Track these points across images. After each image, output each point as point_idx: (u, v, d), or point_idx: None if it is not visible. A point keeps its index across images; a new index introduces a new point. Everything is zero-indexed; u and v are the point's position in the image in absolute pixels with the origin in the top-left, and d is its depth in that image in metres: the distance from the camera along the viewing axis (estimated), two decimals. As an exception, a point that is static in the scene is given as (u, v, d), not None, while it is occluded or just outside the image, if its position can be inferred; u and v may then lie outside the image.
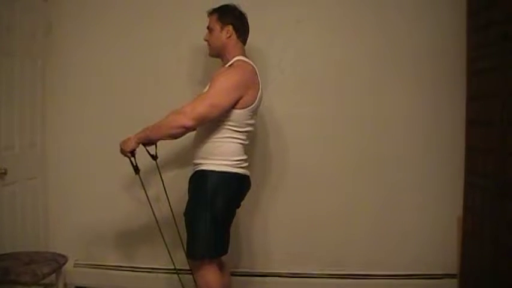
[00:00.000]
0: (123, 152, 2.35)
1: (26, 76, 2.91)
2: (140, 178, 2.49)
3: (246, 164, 2.31)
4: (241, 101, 2.19)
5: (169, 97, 2.96)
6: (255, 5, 2.95)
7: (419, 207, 2.92)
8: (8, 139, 2.77)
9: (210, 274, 2.24)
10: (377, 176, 2.95)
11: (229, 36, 2.34)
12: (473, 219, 2.72)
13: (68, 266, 2.76)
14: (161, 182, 2.58)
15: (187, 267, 2.48)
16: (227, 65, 2.30)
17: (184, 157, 2.79)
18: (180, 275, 2.61)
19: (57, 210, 3.19)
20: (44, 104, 3.12)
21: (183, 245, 2.42)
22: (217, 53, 2.41)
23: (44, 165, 3.15)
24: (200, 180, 2.23)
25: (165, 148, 2.63)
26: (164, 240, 2.54)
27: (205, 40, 2.42)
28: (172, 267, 2.60)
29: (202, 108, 2.11)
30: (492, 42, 2.52)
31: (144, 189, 2.53)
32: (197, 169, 2.27)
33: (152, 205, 2.55)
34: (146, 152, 2.43)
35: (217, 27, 2.35)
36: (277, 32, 2.98)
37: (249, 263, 3.05)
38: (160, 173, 2.58)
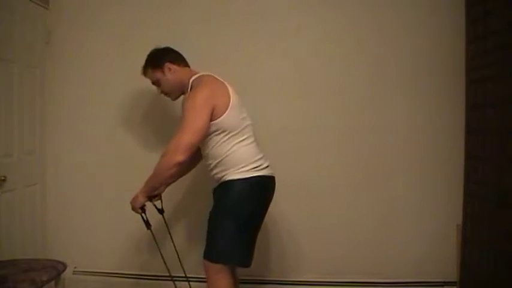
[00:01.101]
0: (134, 209, 2.38)
1: (25, 84, 2.92)
2: (152, 233, 2.52)
3: (266, 164, 2.30)
4: (217, 110, 2.18)
5: (168, 106, 2.97)
6: (254, 14, 2.99)
7: (419, 215, 2.92)
8: (7, 146, 2.77)
9: (223, 280, 2.22)
10: (377, 185, 2.96)
11: (174, 72, 2.37)
12: (473, 227, 2.72)
13: (67, 273, 2.76)
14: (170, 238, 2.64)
15: (183, 275, 2.53)
16: (188, 90, 2.31)
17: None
18: (175, 282, 2.62)
19: (56, 218, 3.19)
20: (42, 112, 3.12)
21: (174, 246, 2.52)
22: (178, 92, 2.42)
23: (43, 173, 3.16)
24: (224, 189, 2.23)
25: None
26: (163, 260, 2.57)
27: (162, 93, 2.45)
28: (173, 274, 2.62)
29: (185, 139, 2.11)
30: (490, 52, 2.53)
31: (156, 243, 2.57)
32: (221, 181, 2.25)
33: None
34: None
35: (159, 75, 2.39)
36: (276, 40, 2.99)
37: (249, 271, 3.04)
38: (167, 226, 2.62)
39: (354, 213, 2.98)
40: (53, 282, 2.43)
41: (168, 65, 2.37)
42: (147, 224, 2.46)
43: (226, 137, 2.21)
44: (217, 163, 2.24)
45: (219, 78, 2.32)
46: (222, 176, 2.24)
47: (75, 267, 3.17)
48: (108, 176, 3.13)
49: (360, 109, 2.96)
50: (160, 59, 2.39)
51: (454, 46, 2.84)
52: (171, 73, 2.37)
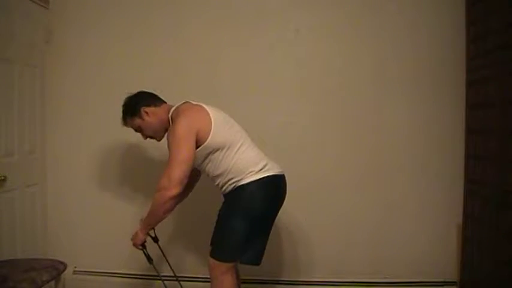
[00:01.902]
0: (135, 245, 2.40)
1: (25, 83, 2.92)
2: (155, 267, 2.53)
3: (272, 163, 2.30)
4: (201, 134, 2.18)
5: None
6: (254, 15, 2.99)
7: (420, 214, 2.93)
8: (8, 146, 2.77)
9: (229, 281, 2.22)
10: (377, 184, 2.96)
11: (151, 114, 2.36)
12: (473, 227, 2.73)
13: (67, 273, 2.76)
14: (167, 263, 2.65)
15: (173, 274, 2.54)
16: (170, 124, 2.30)
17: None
18: (165, 281, 2.63)
19: (56, 217, 3.18)
20: (43, 111, 3.12)
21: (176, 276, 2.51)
22: (162, 132, 2.40)
23: (43, 172, 3.15)
24: (237, 192, 2.23)
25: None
26: (157, 271, 2.56)
27: (147, 137, 2.44)
28: (173, 274, 2.64)
29: (175, 172, 2.12)
30: (490, 52, 2.54)
31: (158, 273, 2.60)
32: (234, 187, 2.24)
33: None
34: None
35: (138, 121, 2.38)
36: (276, 41, 2.99)
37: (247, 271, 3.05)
38: (163, 253, 2.62)
39: (354, 213, 2.98)
40: (53, 282, 2.43)
41: (144, 109, 2.36)
42: (149, 258, 2.48)
43: (223, 152, 2.22)
44: (224, 179, 2.25)
45: (194, 102, 2.32)
46: (233, 187, 2.24)
47: (75, 267, 3.17)
48: (108, 175, 3.13)
49: (361, 109, 2.96)
50: (135, 105, 2.38)
51: (454, 46, 2.85)
52: (149, 116, 2.36)
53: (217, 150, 2.21)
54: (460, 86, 2.83)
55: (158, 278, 2.63)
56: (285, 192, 2.36)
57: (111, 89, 3.11)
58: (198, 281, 2.95)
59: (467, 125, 2.82)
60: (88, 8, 3.14)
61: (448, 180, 2.89)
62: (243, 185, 2.21)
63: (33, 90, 3.02)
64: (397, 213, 2.95)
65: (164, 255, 2.62)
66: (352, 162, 2.97)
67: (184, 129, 2.16)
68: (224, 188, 2.28)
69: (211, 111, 2.25)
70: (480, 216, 2.63)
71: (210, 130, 2.19)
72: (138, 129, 2.42)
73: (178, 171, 2.12)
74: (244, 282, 2.92)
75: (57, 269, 2.44)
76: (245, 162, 2.22)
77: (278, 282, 3.04)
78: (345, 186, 2.98)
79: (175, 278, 2.64)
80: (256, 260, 2.28)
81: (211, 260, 2.23)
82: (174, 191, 2.12)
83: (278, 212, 2.34)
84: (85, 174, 3.18)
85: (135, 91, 2.46)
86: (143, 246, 2.41)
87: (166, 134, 2.34)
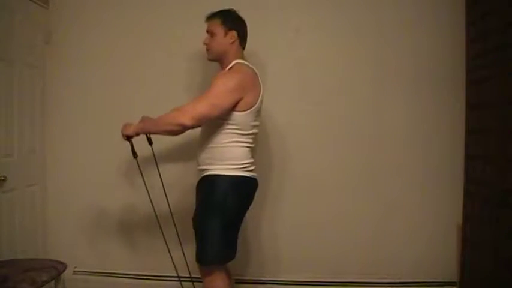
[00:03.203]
0: (122, 134, 2.38)
1: (25, 83, 2.92)
2: (138, 163, 2.50)
3: (253, 167, 2.31)
4: (242, 103, 2.18)
5: (168, 106, 2.97)
6: (254, 14, 2.96)
7: (419, 215, 2.92)
8: (7, 146, 2.77)
9: (219, 280, 2.24)
10: (377, 184, 2.96)
11: (233, 42, 2.33)
12: (473, 227, 2.72)
13: (67, 273, 2.75)
14: (157, 170, 2.62)
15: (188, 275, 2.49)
16: (227, 68, 2.29)
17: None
18: (182, 282, 2.61)
19: (56, 217, 3.18)
20: (43, 111, 3.12)
21: (181, 244, 2.50)
22: (218, 58, 2.38)
23: (43, 172, 3.15)
24: (209, 185, 2.23)
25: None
26: (167, 245, 2.53)
27: (205, 44, 2.39)
28: (173, 274, 2.62)
29: (202, 107, 2.12)
30: (490, 52, 2.54)
31: (142, 173, 2.53)
32: (205, 174, 2.26)
33: (150, 193, 2.55)
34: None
35: (220, 31, 2.33)
36: (276, 40, 3.00)
37: (246, 271, 3.05)
38: (155, 159, 2.59)
39: (354, 213, 2.97)
40: (52, 282, 2.42)
41: (235, 33, 2.33)
42: (134, 153, 2.45)
43: (232, 130, 2.21)
44: (209, 148, 2.24)
45: (259, 79, 2.32)
46: (208, 164, 2.24)
47: (75, 267, 3.16)
48: (108, 176, 3.12)
49: (360, 109, 2.96)
50: (234, 23, 2.35)
51: (454, 46, 2.85)
52: (230, 41, 2.32)
53: (233, 124, 2.20)
54: (460, 86, 2.83)
55: (161, 278, 2.61)
56: (255, 193, 2.36)
57: (111, 89, 3.12)
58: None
59: (467, 125, 2.81)
60: (88, 8, 3.14)
61: (448, 180, 2.89)
62: (216, 175, 2.20)
63: (33, 90, 3.02)
64: (396, 213, 2.94)
65: (155, 160, 2.59)
66: (352, 162, 2.97)
67: (237, 84, 2.17)
68: (201, 156, 2.28)
69: (260, 97, 2.27)
70: (480, 216, 2.63)
71: (247, 110, 2.20)
72: (210, 33, 2.37)
73: (204, 108, 2.12)
74: (240, 282, 2.93)
75: (57, 269, 2.43)
76: (233, 153, 2.22)
77: (278, 283, 3.03)
78: (344, 186, 2.98)
79: (190, 279, 2.61)
80: (232, 257, 2.28)
81: (198, 265, 2.25)
82: (189, 122, 2.11)
83: (247, 210, 2.36)
84: (85, 174, 3.17)
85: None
86: (129, 139, 2.38)
87: (212, 75, 2.29)
